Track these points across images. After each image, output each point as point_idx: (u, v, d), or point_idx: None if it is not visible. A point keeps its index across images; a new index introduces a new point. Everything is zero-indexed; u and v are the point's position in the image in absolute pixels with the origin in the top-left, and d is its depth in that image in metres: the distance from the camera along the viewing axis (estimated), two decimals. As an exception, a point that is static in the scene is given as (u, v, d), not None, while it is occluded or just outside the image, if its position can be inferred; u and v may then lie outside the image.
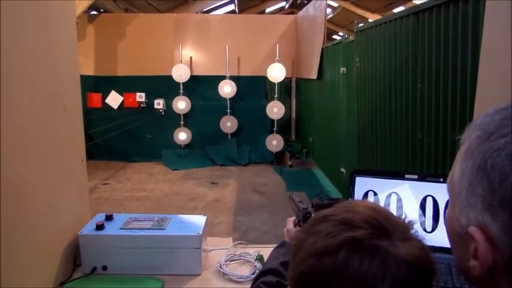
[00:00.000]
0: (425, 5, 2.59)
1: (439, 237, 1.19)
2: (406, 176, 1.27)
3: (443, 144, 2.42)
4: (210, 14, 10.23)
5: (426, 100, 2.60)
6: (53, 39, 1.31)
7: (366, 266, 0.47)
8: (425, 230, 1.22)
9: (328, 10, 10.22)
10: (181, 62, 7.10)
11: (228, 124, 7.21)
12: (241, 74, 7.38)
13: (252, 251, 1.47)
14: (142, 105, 7.22)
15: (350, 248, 0.48)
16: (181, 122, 7.18)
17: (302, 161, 7.15)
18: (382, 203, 1.23)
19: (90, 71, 7.07)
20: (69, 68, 1.43)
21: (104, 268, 1.34)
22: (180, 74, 7.01)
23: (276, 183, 5.95)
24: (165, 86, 7.11)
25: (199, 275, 1.36)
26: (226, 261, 1.42)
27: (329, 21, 10.54)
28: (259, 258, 1.40)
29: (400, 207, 1.23)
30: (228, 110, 7.19)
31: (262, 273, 0.96)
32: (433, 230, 1.21)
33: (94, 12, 7.42)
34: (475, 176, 0.44)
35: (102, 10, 7.47)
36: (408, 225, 0.53)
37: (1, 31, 1.01)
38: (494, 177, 0.42)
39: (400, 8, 8.18)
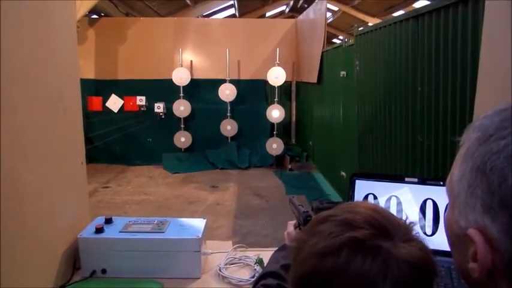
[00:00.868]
0: (425, 8, 2.60)
1: (440, 241, 1.19)
2: (406, 179, 1.27)
3: (443, 147, 2.42)
4: (211, 18, 10.27)
5: (426, 103, 2.61)
6: (53, 41, 1.31)
7: (367, 266, 0.47)
8: (425, 233, 1.21)
9: (328, 14, 10.25)
10: (182, 65, 7.11)
11: (228, 127, 7.21)
12: (241, 78, 7.39)
13: (252, 254, 1.46)
14: (142, 109, 7.23)
15: (352, 248, 0.48)
16: (182, 126, 7.18)
17: (302, 164, 7.15)
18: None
19: (90, 74, 7.08)
20: (69, 70, 1.43)
21: (104, 271, 1.34)
22: (181, 77, 7.02)
23: (276, 187, 5.94)
24: (165, 90, 7.11)
25: (199, 278, 1.35)
26: (225, 264, 1.41)
27: (329, 25, 10.57)
28: (259, 261, 1.39)
29: (400, 210, 1.23)
30: (228, 114, 7.20)
31: (263, 276, 0.96)
32: (433, 233, 1.21)
33: (95, 16, 7.44)
34: (474, 178, 0.44)
35: (102, 14, 7.50)
36: (409, 226, 0.54)
37: (2, 33, 1.01)
38: (494, 179, 0.41)
39: (400, 12, 8.21)
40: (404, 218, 0.55)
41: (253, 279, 1.32)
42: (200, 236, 1.34)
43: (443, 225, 1.18)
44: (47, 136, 1.26)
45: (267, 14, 12.21)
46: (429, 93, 2.56)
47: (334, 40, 13.17)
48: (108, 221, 1.42)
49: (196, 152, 7.28)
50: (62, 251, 1.32)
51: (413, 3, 8.42)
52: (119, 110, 7.23)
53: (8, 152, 1.03)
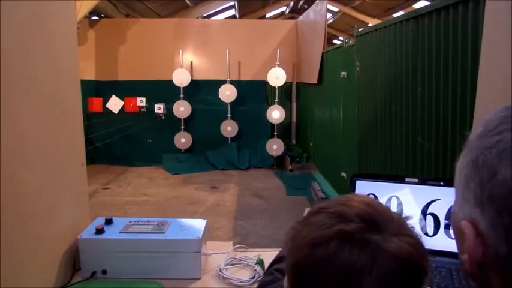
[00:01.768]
0: (425, 9, 2.60)
1: (440, 241, 1.19)
2: (407, 179, 1.27)
3: (443, 148, 2.41)
4: (211, 19, 10.28)
5: (426, 104, 2.61)
6: (53, 42, 1.31)
7: (354, 258, 0.48)
8: (426, 234, 1.21)
9: (329, 15, 10.26)
10: (182, 66, 7.11)
11: (229, 128, 7.21)
12: (241, 79, 7.40)
13: (252, 255, 1.46)
14: (142, 110, 7.23)
15: (341, 240, 0.50)
16: (182, 127, 7.18)
17: (302, 165, 7.15)
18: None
19: (91, 75, 7.09)
20: (69, 71, 1.43)
21: (104, 272, 1.33)
22: (181, 78, 7.02)
23: (276, 188, 5.94)
24: (165, 91, 7.11)
25: (199, 279, 1.35)
26: (226, 265, 1.41)
27: (329, 26, 10.58)
28: (260, 262, 1.39)
29: (400, 211, 1.23)
30: (229, 115, 7.20)
31: (277, 260, 0.98)
32: (435, 234, 1.21)
33: (95, 17, 7.45)
34: (469, 172, 0.45)
35: (103, 15, 7.51)
36: (403, 221, 0.54)
37: (2, 34, 1.01)
38: (484, 173, 0.42)
39: (400, 13, 8.21)
40: (400, 212, 0.56)
41: (253, 280, 1.32)
42: (200, 236, 1.34)
43: (443, 225, 1.18)
44: (47, 137, 1.26)
45: (267, 15, 12.21)
46: (429, 94, 2.55)
47: (334, 41, 13.17)
48: (108, 221, 1.42)
49: (197, 152, 7.28)
50: (62, 252, 1.32)
51: (413, 4, 8.42)
52: (119, 111, 7.24)
53: (8, 153, 1.03)
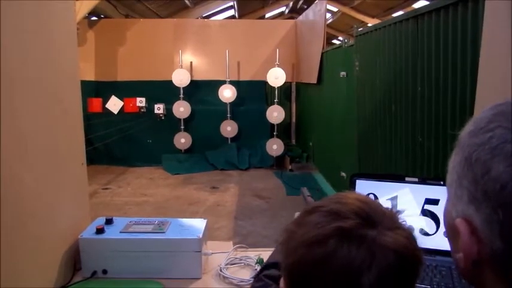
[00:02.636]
0: (425, 8, 2.60)
1: (440, 240, 1.19)
2: (407, 179, 1.27)
3: (443, 148, 2.42)
4: (210, 19, 10.27)
5: (426, 103, 2.61)
6: (53, 43, 1.31)
7: (353, 255, 0.49)
8: (426, 233, 1.21)
9: (328, 15, 10.26)
10: (182, 66, 7.11)
11: (228, 128, 7.21)
12: (241, 79, 7.40)
13: (253, 254, 1.46)
14: (142, 110, 7.23)
15: (338, 238, 0.50)
16: (182, 127, 7.18)
17: (302, 165, 7.15)
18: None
19: (90, 76, 7.09)
20: (69, 71, 1.43)
21: (104, 272, 1.34)
22: (180, 78, 7.03)
23: (276, 188, 5.94)
24: (165, 91, 7.11)
25: (200, 278, 1.35)
26: (226, 264, 1.41)
27: (328, 26, 10.58)
28: (260, 261, 1.39)
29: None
30: (228, 115, 7.20)
31: (266, 267, 0.97)
32: (434, 233, 1.21)
33: (94, 18, 7.45)
34: (462, 169, 0.45)
35: (102, 16, 7.51)
36: (395, 215, 0.55)
37: (1, 34, 1.01)
38: (478, 170, 0.42)
39: (400, 13, 8.21)
40: (391, 207, 0.56)
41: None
42: (201, 236, 1.34)
43: (443, 225, 1.18)
44: (48, 137, 1.26)
45: (267, 15, 12.22)
46: (429, 94, 2.56)
47: (334, 41, 13.18)
48: (109, 221, 1.42)
49: (197, 153, 7.28)
50: (62, 252, 1.32)
51: (412, 3, 8.43)
52: (118, 112, 7.23)
53: (8, 153, 1.03)
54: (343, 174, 4.75)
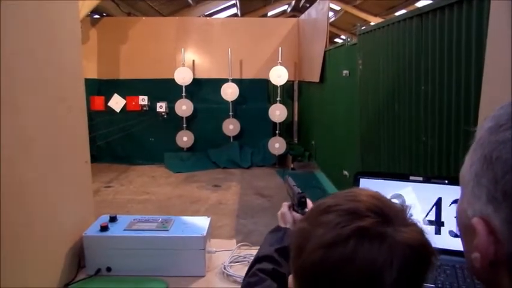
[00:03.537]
0: (429, 7, 2.59)
1: (444, 240, 1.19)
2: (411, 177, 1.27)
3: (447, 147, 2.41)
4: (213, 17, 10.27)
5: (430, 102, 2.60)
6: (57, 41, 1.31)
7: (375, 253, 0.48)
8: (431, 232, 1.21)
9: (330, 13, 10.24)
10: (184, 65, 7.11)
11: (231, 127, 7.21)
12: (243, 77, 7.39)
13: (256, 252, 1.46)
14: (144, 109, 7.23)
15: (359, 237, 0.49)
16: (184, 125, 7.18)
17: (304, 164, 7.14)
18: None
19: (93, 74, 7.09)
20: (73, 69, 1.44)
21: (108, 269, 1.34)
22: (183, 77, 7.02)
23: (278, 186, 5.94)
24: (167, 89, 7.11)
25: (203, 276, 1.35)
26: (230, 262, 1.41)
27: (331, 24, 10.55)
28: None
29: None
30: (231, 113, 7.19)
31: (258, 260, 0.95)
32: (438, 232, 1.21)
33: (97, 16, 7.45)
34: (481, 167, 0.44)
35: (104, 14, 7.51)
36: (405, 211, 0.55)
37: (6, 33, 1.01)
38: (498, 169, 0.41)
39: (402, 12, 8.19)
40: (400, 203, 0.56)
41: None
42: (205, 234, 1.34)
43: (447, 223, 1.17)
44: (52, 135, 1.26)
45: (269, 14, 12.21)
46: (433, 92, 2.55)
47: (336, 40, 13.15)
48: (113, 219, 1.42)
49: (199, 151, 7.29)
50: (66, 249, 1.32)
51: (415, 2, 8.41)
52: (121, 110, 7.24)
53: (12, 151, 1.03)
54: (346, 173, 4.75)
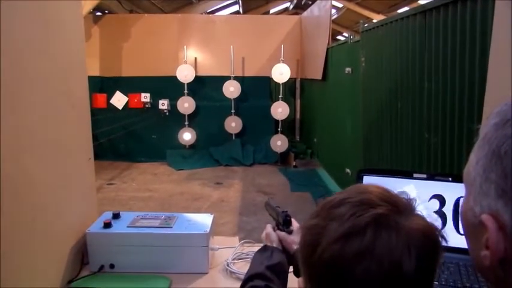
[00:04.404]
0: (433, 4, 2.58)
1: (448, 237, 1.19)
2: (415, 175, 1.26)
3: (450, 144, 2.40)
4: (215, 14, 10.25)
5: (433, 100, 2.59)
6: (61, 38, 1.31)
7: (393, 243, 0.48)
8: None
9: (333, 11, 10.21)
10: (186, 62, 7.11)
11: (233, 124, 7.21)
12: (245, 75, 7.38)
13: (259, 249, 1.46)
14: (147, 106, 7.23)
15: (376, 226, 0.49)
16: (186, 123, 7.18)
17: (307, 161, 7.13)
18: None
19: (95, 71, 7.09)
20: (77, 66, 1.44)
21: (112, 266, 1.34)
22: (185, 74, 7.02)
23: (280, 184, 5.94)
24: (169, 87, 7.11)
25: (207, 273, 1.35)
26: (233, 259, 1.41)
27: (333, 22, 10.51)
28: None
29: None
30: (233, 111, 7.19)
31: (249, 278, 0.94)
32: (442, 229, 1.21)
33: (99, 13, 7.45)
34: (489, 162, 0.44)
35: (106, 11, 7.51)
36: (412, 202, 0.55)
37: (11, 31, 1.01)
38: (508, 163, 0.41)
39: (405, 9, 8.15)
40: (406, 196, 0.57)
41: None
42: (208, 231, 1.34)
43: (451, 221, 1.17)
44: (56, 132, 1.27)
45: (271, 11, 12.18)
46: (436, 90, 2.54)
47: (339, 37, 13.12)
48: (116, 216, 1.43)
49: (201, 149, 7.29)
50: (70, 246, 1.32)
51: (417, 0, 8.37)
52: (123, 107, 7.25)
53: (16, 148, 1.04)
54: (348, 170, 4.74)
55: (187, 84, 7.05)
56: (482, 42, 2.02)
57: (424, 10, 2.69)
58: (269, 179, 6.18)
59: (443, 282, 1.11)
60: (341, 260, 0.49)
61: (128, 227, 1.36)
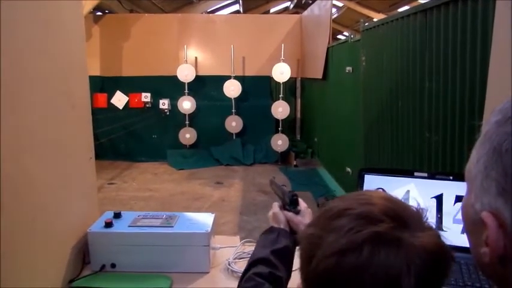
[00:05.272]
0: (433, 2, 2.57)
1: (450, 235, 1.19)
2: (416, 173, 1.26)
3: (450, 143, 2.40)
4: (215, 14, 10.25)
5: (434, 99, 2.59)
6: (62, 38, 1.31)
7: (391, 260, 0.47)
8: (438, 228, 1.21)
9: (333, 10, 10.20)
10: (186, 62, 7.11)
11: (233, 124, 7.21)
12: (246, 74, 7.38)
13: (260, 249, 1.46)
14: (147, 106, 7.23)
15: (374, 243, 0.47)
16: (186, 122, 7.18)
17: (307, 160, 7.13)
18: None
19: (95, 71, 7.09)
20: (77, 66, 1.44)
21: (113, 266, 1.34)
22: (185, 74, 7.02)
23: (281, 183, 5.92)
24: (170, 86, 7.11)
25: (208, 272, 1.35)
26: (234, 259, 1.41)
27: (334, 21, 10.50)
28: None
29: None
30: (233, 110, 7.19)
31: (253, 263, 0.90)
32: (442, 228, 1.21)
33: (99, 13, 7.45)
34: (490, 160, 0.43)
35: (107, 11, 7.50)
36: (421, 214, 0.53)
37: (11, 31, 1.01)
38: (508, 160, 0.41)
39: (405, 8, 8.14)
40: (416, 205, 0.54)
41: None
42: (209, 230, 1.34)
43: (452, 219, 1.17)
44: (56, 132, 1.26)
45: (271, 10, 12.17)
46: (437, 88, 2.53)
47: (339, 36, 13.10)
48: (117, 215, 1.43)
49: (201, 148, 7.30)
50: (71, 246, 1.32)
51: (418, -1, 8.36)
52: (123, 107, 7.25)
53: (17, 148, 1.04)
54: (349, 169, 4.74)
55: (188, 83, 7.05)
56: (483, 41, 2.01)
57: (425, 9, 2.68)
58: (270, 179, 6.16)
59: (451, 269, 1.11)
60: (335, 275, 0.49)
61: (129, 226, 1.36)
